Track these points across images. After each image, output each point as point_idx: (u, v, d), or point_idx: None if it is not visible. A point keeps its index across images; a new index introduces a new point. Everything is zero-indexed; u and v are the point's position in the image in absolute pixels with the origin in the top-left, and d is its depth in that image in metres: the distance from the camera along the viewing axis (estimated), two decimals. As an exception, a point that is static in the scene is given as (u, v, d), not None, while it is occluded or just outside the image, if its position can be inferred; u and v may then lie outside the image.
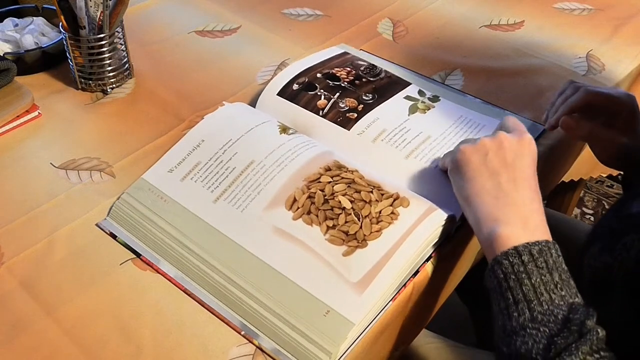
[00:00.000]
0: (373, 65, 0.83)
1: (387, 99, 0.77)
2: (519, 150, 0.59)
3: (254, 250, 0.60)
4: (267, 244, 0.60)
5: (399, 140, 0.71)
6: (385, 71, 0.82)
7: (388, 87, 0.79)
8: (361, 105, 0.75)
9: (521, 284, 0.51)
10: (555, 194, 1.28)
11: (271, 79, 0.81)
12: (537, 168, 0.61)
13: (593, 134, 0.71)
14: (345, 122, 0.73)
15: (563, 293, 0.51)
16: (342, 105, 0.75)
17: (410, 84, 0.81)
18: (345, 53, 0.86)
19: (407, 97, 0.78)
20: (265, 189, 0.64)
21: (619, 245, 0.57)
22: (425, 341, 0.78)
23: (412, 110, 0.76)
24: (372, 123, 0.73)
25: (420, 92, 0.79)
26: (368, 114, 0.74)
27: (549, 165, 0.78)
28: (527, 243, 0.52)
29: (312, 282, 0.57)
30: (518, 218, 0.55)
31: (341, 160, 0.66)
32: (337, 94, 0.76)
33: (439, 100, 0.78)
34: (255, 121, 0.71)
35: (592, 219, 1.70)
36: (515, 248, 0.52)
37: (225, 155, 0.67)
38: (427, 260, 0.62)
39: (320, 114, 0.74)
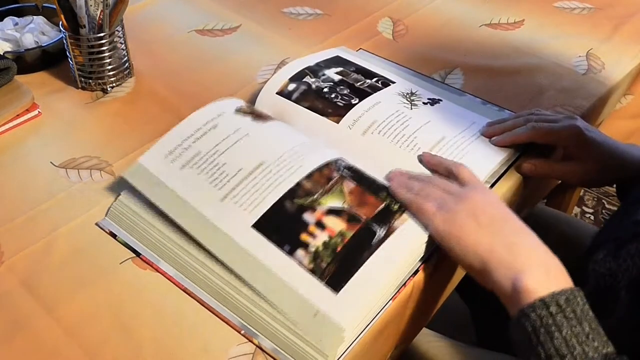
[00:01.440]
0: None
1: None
2: (496, 200, 0.59)
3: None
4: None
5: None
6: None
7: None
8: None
9: (552, 338, 0.49)
10: (555, 192, 1.28)
11: (270, 77, 0.81)
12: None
13: (555, 171, 0.73)
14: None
15: (596, 344, 0.49)
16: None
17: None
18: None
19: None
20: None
21: (623, 251, 0.57)
22: (426, 340, 0.78)
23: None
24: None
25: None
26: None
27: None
28: (553, 293, 0.51)
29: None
30: (538, 266, 0.53)
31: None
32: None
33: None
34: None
35: (592, 217, 1.70)
36: (542, 300, 0.51)
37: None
38: (424, 261, 0.61)
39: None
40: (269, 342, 0.55)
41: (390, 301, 0.58)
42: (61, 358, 0.54)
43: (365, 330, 0.56)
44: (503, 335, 0.55)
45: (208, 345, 0.55)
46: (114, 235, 0.64)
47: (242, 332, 0.56)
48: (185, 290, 0.59)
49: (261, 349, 0.55)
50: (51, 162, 0.73)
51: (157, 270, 0.61)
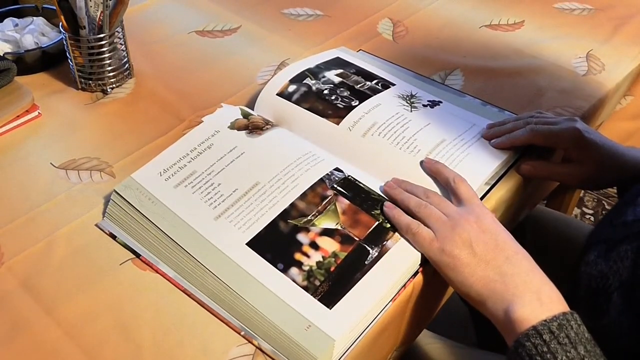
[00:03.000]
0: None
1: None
2: (491, 225, 0.59)
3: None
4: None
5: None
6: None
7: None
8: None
9: None
10: (555, 193, 1.28)
11: (271, 78, 0.81)
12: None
13: (554, 173, 0.73)
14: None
15: None
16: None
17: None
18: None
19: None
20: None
21: (613, 253, 0.57)
22: (426, 342, 0.78)
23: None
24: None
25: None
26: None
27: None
28: (545, 320, 0.51)
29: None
30: (530, 293, 0.54)
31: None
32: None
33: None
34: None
35: (592, 219, 1.70)
36: (535, 328, 0.51)
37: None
38: (414, 275, 0.61)
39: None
40: (267, 345, 0.55)
41: (390, 303, 0.59)
42: (61, 359, 0.54)
43: (358, 340, 0.56)
44: (503, 337, 0.55)
45: (208, 346, 0.55)
46: (113, 237, 0.64)
47: (242, 333, 0.56)
48: (185, 292, 0.59)
49: (261, 350, 0.55)
50: (51, 163, 0.73)
51: (157, 271, 0.61)
